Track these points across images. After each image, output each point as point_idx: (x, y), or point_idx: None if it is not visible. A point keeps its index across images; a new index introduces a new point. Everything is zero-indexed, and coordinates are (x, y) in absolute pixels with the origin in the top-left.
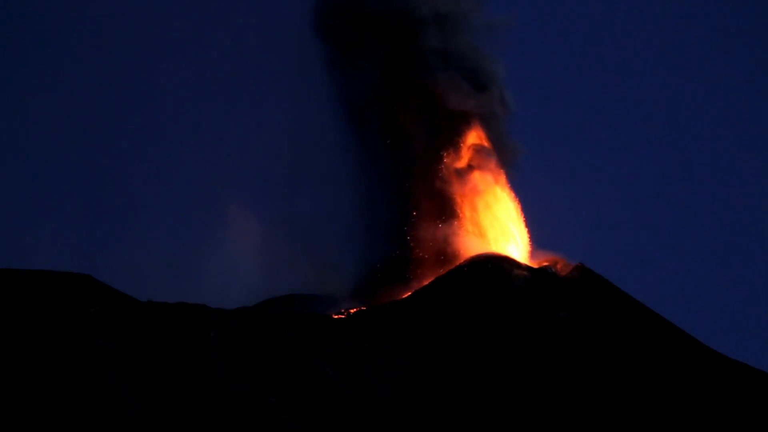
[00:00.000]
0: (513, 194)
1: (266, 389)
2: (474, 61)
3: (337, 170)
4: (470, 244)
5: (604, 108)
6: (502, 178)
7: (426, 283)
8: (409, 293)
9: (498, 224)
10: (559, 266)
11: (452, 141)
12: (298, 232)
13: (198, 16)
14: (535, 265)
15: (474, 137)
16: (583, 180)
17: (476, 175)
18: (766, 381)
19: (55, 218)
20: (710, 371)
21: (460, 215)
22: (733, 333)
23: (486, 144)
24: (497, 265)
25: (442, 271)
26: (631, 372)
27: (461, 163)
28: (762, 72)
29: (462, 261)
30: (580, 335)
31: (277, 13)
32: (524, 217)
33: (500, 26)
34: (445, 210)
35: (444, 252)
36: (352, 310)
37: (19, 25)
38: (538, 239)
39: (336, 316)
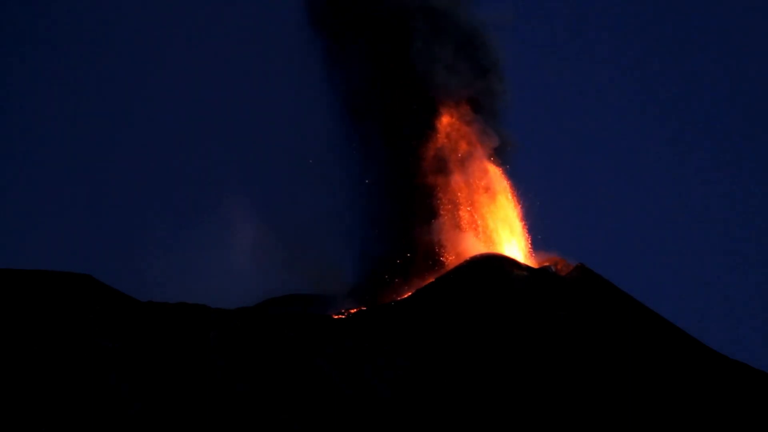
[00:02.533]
0: (512, 189)
1: (266, 389)
2: (470, 48)
3: (337, 168)
4: (469, 243)
5: (604, 107)
6: (499, 166)
7: (426, 283)
8: (410, 293)
9: (497, 216)
10: (559, 266)
11: (446, 128)
12: (298, 232)
13: (195, 14)
14: (535, 265)
15: (469, 119)
16: (583, 180)
17: (475, 160)
18: (766, 381)
19: (55, 218)
20: (710, 371)
21: (459, 209)
22: (733, 333)
23: (484, 127)
24: (497, 265)
25: (442, 271)
26: (632, 372)
27: (457, 150)
28: (762, 72)
29: (462, 261)
30: (580, 335)
31: (274, 9)
32: (524, 216)
33: (496, 22)
34: (444, 204)
35: (443, 251)
36: (352, 310)
37: (18, 24)
38: (538, 239)
39: (336, 316)
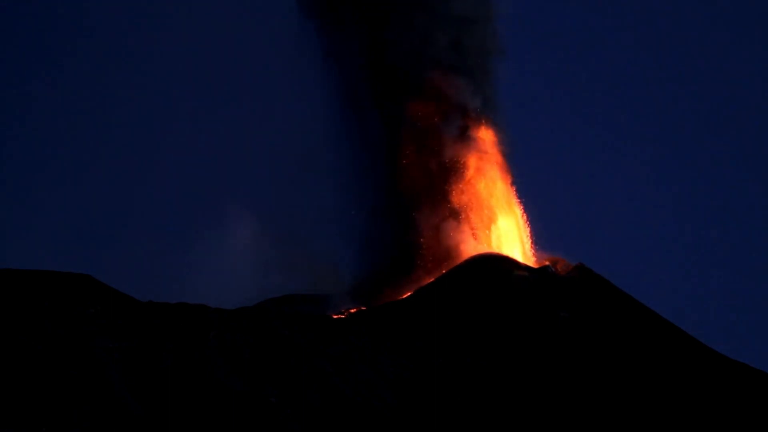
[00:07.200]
0: (511, 184)
1: (267, 389)
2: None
3: (336, 166)
4: (469, 242)
5: (604, 107)
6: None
7: (426, 282)
8: (410, 293)
9: (496, 207)
10: (559, 266)
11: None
12: (298, 231)
13: (193, 14)
14: (535, 265)
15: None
16: (583, 180)
17: (474, 141)
18: (766, 381)
19: (55, 218)
20: (710, 371)
21: (458, 202)
22: (733, 333)
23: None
24: (497, 265)
25: (442, 271)
26: (632, 372)
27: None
28: (762, 72)
29: (462, 260)
30: (580, 335)
31: (271, 6)
32: (525, 216)
33: (496, 18)
34: (443, 199)
35: (443, 249)
36: (352, 310)
37: (19, 24)
38: (538, 239)
39: (336, 316)
